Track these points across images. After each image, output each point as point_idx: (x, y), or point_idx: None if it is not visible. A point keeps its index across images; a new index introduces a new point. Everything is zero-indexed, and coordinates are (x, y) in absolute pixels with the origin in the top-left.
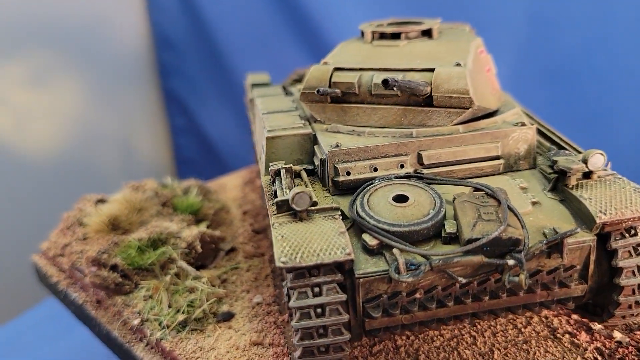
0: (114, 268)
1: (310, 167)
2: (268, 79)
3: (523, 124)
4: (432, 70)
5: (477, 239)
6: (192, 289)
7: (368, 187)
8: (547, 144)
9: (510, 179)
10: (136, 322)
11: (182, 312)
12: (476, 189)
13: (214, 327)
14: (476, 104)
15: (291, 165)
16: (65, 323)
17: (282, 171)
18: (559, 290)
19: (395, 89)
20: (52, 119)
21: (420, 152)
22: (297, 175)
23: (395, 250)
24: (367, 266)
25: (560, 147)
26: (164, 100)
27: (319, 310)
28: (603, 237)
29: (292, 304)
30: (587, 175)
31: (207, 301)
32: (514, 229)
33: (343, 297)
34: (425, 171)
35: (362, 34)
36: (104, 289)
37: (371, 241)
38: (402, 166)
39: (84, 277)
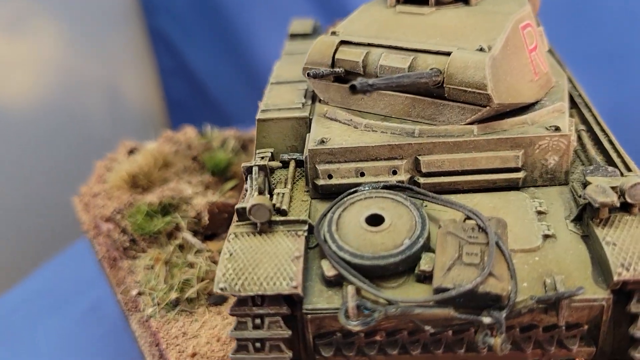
0: (124, 231)
1: (302, 157)
2: (310, 27)
3: (557, 129)
4: (448, 54)
5: (446, 289)
6: (191, 264)
7: (344, 199)
8: (593, 151)
9: (528, 198)
10: (134, 292)
11: (176, 290)
12: (468, 217)
13: (204, 311)
14: (496, 101)
15: (266, 163)
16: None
17: (255, 169)
18: (557, 351)
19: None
20: (31, 67)
21: (419, 157)
22: (286, 165)
23: (349, 289)
24: (319, 300)
25: (609, 160)
26: (151, 41)
27: (257, 344)
28: (625, 294)
29: (230, 332)
30: (626, 207)
31: (202, 280)
32: (497, 282)
33: (286, 333)
34: (422, 180)
35: None
36: (115, 249)
37: (329, 271)
38: (394, 172)
39: (101, 233)
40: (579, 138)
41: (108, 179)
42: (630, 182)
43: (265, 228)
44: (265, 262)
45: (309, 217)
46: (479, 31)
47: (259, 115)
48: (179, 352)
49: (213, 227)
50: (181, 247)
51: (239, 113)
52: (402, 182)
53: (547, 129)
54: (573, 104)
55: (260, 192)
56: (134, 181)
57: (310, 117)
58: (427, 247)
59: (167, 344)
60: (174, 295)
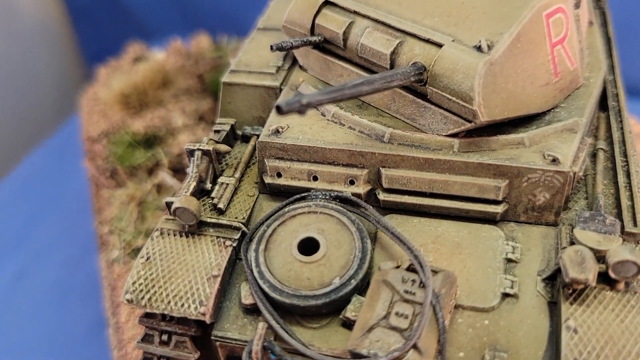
0: (107, 158)
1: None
2: None
3: (555, 161)
4: (440, 46)
5: (360, 356)
6: (164, 208)
7: (286, 210)
8: (601, 186)
9: (502, 238)
10: (106, 230)
11: (143, 238)
12: (410, 268)
13: None
14: (483, 119)
15: (212, 147)
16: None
17: (198, 154)
18: None
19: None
20: None
21: (382, 169)
22: (247, 140)
23: (260, 326)
24: (231, 328)
25: (617, 203)
26: None
27: None
28: None
29: (136, 342)
30: (608, 279)
31: None
32: (419, 358)
33: (192, 356)
34: (382, 196)
35: None
36: (100, 174)
37: (246, 298)
38: (352, 182)
39: (92, 152)
40: (594, 159)
41: (110, 88)
42: (618, 257)
43: (194, 229)
44: (181, 275)
45: (249, 218)
46: (488, 17)
47: (225, 77)
48: (132, 308)
49: None
50: (159, 188)
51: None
52: (360, 195)
53: (545, 157)
54: (604, 107)
55: (201, 181)
56: (127, 101)
57: (282, 88)
58: (362, 289)
59: (117, 295)
60: (140, 242)
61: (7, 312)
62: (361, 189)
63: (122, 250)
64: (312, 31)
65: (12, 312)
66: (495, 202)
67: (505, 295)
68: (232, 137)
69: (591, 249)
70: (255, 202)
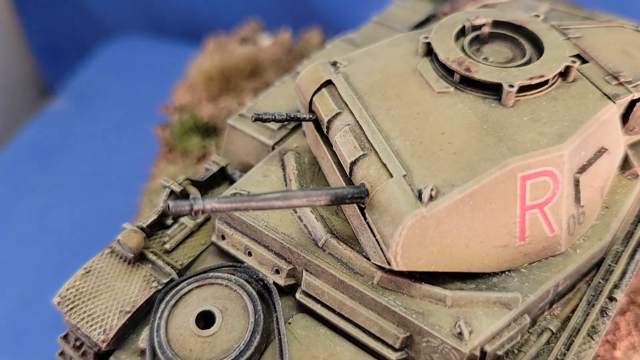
0: (170, 134)
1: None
2: None
3: (460, 334)
4: (391, 175)
5: None
6: None
7: (206, 276)
8: None
9: None
10: (145, 199)
11: None
12: None
13: None
14: (397, 268)
15: (181, 188)
16: None
17: (167, 191)
18: None
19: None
20: None
21: (305, 272)
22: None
23: None
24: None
25: None
26: None
27: None
28: None
29: (58, 337)
30: None
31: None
32: None
33: None
34: (298, 296)
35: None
36: (163, 145)
37: (142, 342)
38: (277, 271)
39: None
40: (541, 335)
41: (202, 65)
42: None
43: (137, 259)
44: (103, 298)
45: (189, 266)
46: (454, 160)
47: (231, 120)
48: None
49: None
50: None
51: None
52: (280, 286)
53: (453, 327)
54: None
55: (164, 215)
56: (209, 84)
57: (275, 147)
58: None
59: None
60: None
61: None
62: (283, 281)
63: None
64: (311, 104)
65: None
66: (392, 349)
67: None
68: (222, 178)
69: None
70: (203, 252)
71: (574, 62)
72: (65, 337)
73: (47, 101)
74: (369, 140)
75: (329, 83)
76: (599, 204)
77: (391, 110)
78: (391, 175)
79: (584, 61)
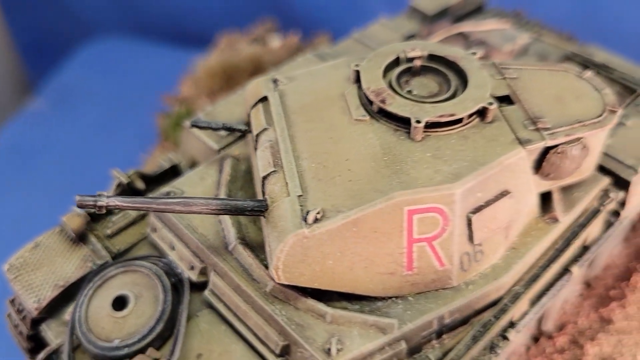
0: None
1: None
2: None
3: (328, 352)
4: (287, 195)
5: None
6: None
7: (131, 263)
8: None
9: None
10: None
11: None
12: None
13: None
14: (279, 281)
15: (129, 180)
16: None
17: (114, 184)
18: None
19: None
20: None
21: (212, 272)
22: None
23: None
24: (53, 328)
25: None
26: None
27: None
28: None
29: (6, 300)
30: None
31: None
32: None
33: (25, 331)
34: (206, 294)
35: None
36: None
37: (67, 315)
38: (191, 268)
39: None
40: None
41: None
42: None
43: (80, 240)
44: (44, 271)
45: (125, 251)
46: (347, 188)
47: (186, 123)
48: None
49: None
50: None
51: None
52: (192, 282)
53: (325, 343)
54: None
55: None
56: (211, 79)
57: (220, 152)
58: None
59: None
60: None
61: None
62: (196, 277)
63: None
64: (250, 117)
65: None
66: (274, 353)
67: None
68: (173, 174)
69: None
70: (141, 241)
71: (491, 103)
72: (12, 301)
73: (28, 100)
74: (280, 158)
75: (266, 99)
76: (503, 244)
77: (310, 132)
78: (289, 194)
79: (511, 103)
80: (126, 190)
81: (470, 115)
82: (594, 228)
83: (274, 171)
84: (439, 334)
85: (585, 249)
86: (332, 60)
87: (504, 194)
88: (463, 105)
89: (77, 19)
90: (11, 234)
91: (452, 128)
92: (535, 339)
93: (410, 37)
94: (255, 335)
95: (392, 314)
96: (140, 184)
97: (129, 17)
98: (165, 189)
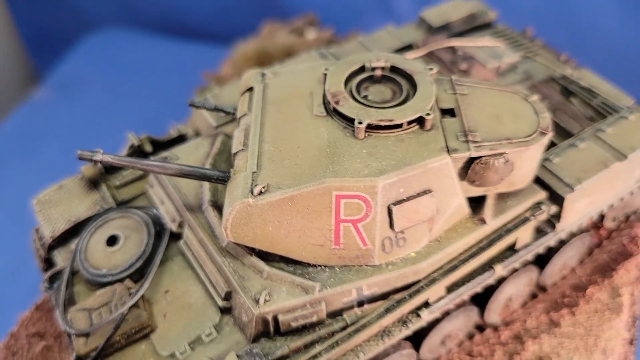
0: None
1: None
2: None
3: (257, 300)
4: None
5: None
6: None
7: (128, 209)
8: None
9: (213, 322)
10: None
11: None
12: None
13: None
14: (228, 239)
15: (139, 144)
16: None
17: (128, 145)
18: None
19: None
20: None
21: (186, 226)
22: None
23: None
24: (62, 254)
25: None
26: None
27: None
28: None
29: (33, 229)
30: None
31: None
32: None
33: (42, 255)
34: (180, 244)
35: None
36: None
37: (73, 245)
38: (173, 220)
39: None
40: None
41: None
42: None
43: (94, 186)
44: (62, 208)
45: (130, 200)
46: (291, 168)
47: (195, 99)
48: None
49: None
50: None
51: None
52: (173, 232)
53: (258, 294)
54: None
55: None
56: (244, 64)
57: (217, 128)
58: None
59: None
60: None
61: None
62: (175, 228)
63: None
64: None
65: None
66: (221, 297)
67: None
68: (179, 142)
69: None
70: (143, 194)
71: (428, 114)
72: (37, 230)
73: (33, 90)
74: (247, 139)
75: (252, 89)
76: (427, 236)
77: (277, 121)
78: (247, 170)
79: (453, 115)
80: (136, 151)
81: (410, 122)
82: (524, 234)
83: (242, 150)
84: (361, 304)
85: (514, 252)
86: (332, 58)
87: (426, 192)
88: (403, 113)
89: (80, 12)
90: (16, 220)
91: (392, 131)
92: (482, 329)
93: (408, 46)
94: (209, 280)
95: (317, 279)
96: (148, 147)
97: (129, 10)
98: (164, 153)
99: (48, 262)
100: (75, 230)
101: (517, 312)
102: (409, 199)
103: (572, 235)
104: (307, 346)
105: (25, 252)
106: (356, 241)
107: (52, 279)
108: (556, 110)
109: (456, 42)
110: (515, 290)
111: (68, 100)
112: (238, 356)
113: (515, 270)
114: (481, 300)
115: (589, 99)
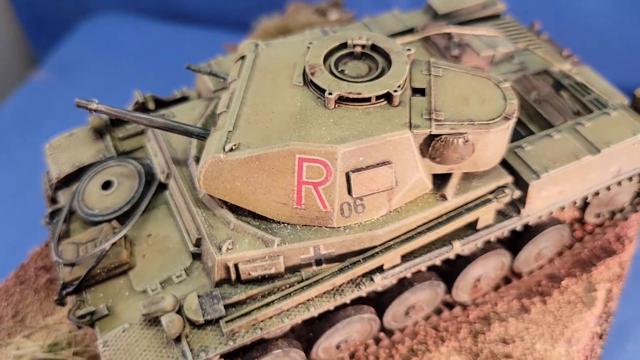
0: None
1: None
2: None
3: (220, 248)
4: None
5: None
6: None
7: (124, 159)
8: None
9: (184, 265)
10: None
11: None
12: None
13: None
14: (200, 189)
15: (143, 101)
16: None
17: (133, 101)
18: None
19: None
20: None
21: (172, 178)
22: None
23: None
24: (63, 200)
25: None
26: None
27: None
28: None
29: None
30: None
31: None
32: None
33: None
34: (167, 192)
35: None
36: None
37: (74, 187)
38: (162, 172)
39: None
40: None
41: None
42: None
43: (100, 136)
44: (70, 153)
45: (128, 152)
46: (264, 132)
47: (201, 65)
48: None
49: None
50: None
51: None
52: (162, 182)
53: (222, 242)
54: None
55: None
56: (265, 38)
57: (215, 92)
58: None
59: None
60: None
61: None
62: (163, 179)
63: None
64: None
65: None
66: (192, 243)
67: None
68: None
69: None
70: (141, 147)
71: (395, 91)
72: (47, 172)
73: (33, 71)
74: (230, 105)
75: (245, 57)
76: (386, 205)
77: (260, 87)
78: (224, 128)
79: (423, 95)
80: (140, 107)
81: (379, 98)
82: (486, 215)
83: (225, 111)
84: (319, 262)
85: (476, 231)
86: None
87: (385, 163)
88: (372, 88)
89: None
90: (17, 200)
91: (360, 104)
92: (451, 307)
93: (410, 29)
94: (185, 228)
95: (278, 234)
96: (151, 105)
97: None
98: (163, 111)
99: (53, 202)
100: (78, 174)
101: (489, 294)
102: (367, 167)
103: (545, 225)
104: (264, 296)
105: (29, 228)
106: (316, 203)
107: (53, 215)
108: (542, 102)
109: (454, 29)
110: (484, 271)
111: (67, 82)
112: (199, 296)
113: (484, 252)
114: (450, 277)
115: (582, 94)
